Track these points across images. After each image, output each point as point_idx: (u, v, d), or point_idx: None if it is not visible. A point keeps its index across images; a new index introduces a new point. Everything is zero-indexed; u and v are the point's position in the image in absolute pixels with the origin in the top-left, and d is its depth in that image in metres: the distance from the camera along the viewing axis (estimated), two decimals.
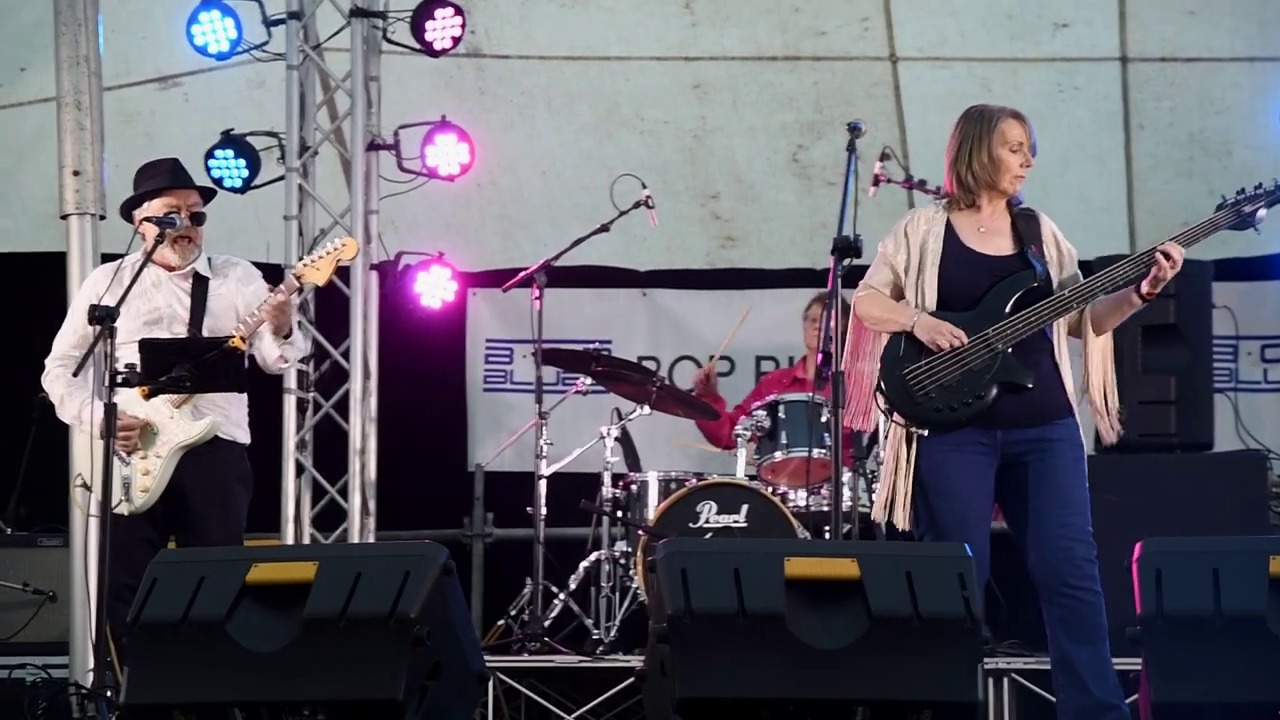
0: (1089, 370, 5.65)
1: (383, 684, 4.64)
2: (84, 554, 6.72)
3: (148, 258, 6.15)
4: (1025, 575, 5.60)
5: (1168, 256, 5.44)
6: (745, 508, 7.76)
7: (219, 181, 8.57)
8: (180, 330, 6.24)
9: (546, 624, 7.94)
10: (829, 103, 9.35)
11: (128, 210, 6.40)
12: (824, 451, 7.81)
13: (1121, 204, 9.51)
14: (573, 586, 8.09)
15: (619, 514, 8.13)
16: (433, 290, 8.83)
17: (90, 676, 5.68)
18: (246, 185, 8.73)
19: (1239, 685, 4.70)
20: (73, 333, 6.30)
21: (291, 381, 8.35)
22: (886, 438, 5.68)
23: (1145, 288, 5.49)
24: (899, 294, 5.68)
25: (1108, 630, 5.44)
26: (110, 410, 5.70)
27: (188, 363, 5.95)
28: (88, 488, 6.18)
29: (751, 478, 8.08)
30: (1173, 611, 4.76)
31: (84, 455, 6.22)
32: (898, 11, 9.10)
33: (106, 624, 5.50)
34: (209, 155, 8.66)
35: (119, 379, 5.73)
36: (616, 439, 8.28)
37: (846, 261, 5.75)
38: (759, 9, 9.12)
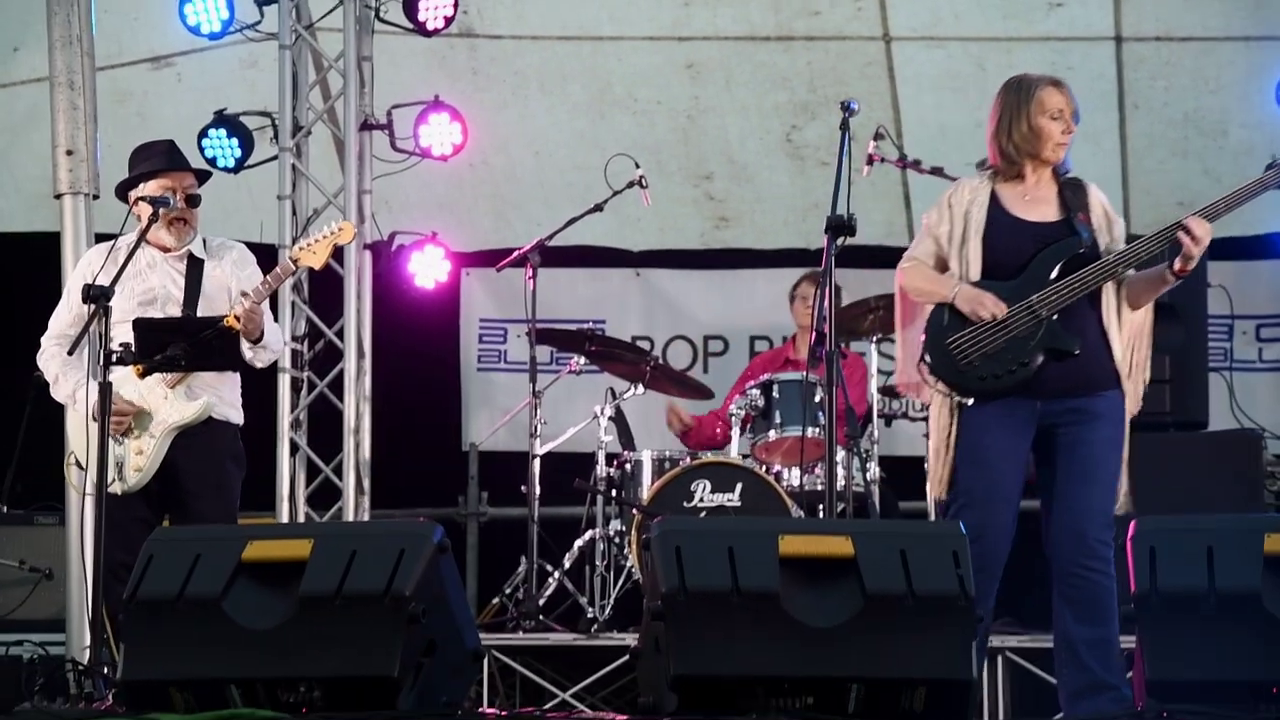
0: (1121, 343, 5.58)
1: (378, 661, 4.65)
2: (80, 532, 6.73)
3: (141, 237, 6.15)
4: (1037, 552, 5.58)
5: (1188, 232, 5.42)
6: (739, 486, 7.77)
7: (212, 161, 8.58)
8: (174, 311, 6.25)
9: (541, 602, 7.95)
10: (822, 83, 9.34)
11: (123, 192, 6.40)
12: (818, 430, 7.82)
13: (1116, 183, 9.49)
14: (567, 565, 8.11)
15: (613, 493, 8.13)
16: (426, 270, 8.82)
17: (87, 653, 5.69)
18: (239, 165, 8.74)
19: (1233, 663, 4.70)
20: (68, 311, 6.31)
21: (286, 361, 8.35)
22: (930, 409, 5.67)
23: (1178, 264, 5.45)
24: (943, 265, 5.66)
25: (1116, 612, 5.44)
26: (105, 389, 5.70)
27: (183, 342, 5.97)
28: (81, 466, 6.20)
29: (745, 457, 8.08)
30: (1167, 590, 4.76)
31: (77, 435, 6.23)
32: None
33: (103, 602, 5.51)
34: (202, 135, 8.66)
35: (114, 358, 5.74)
36: (610, 418, 8.28)
37: (841, 240, 5.74)
38: None
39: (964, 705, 4.60)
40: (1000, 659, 7.23)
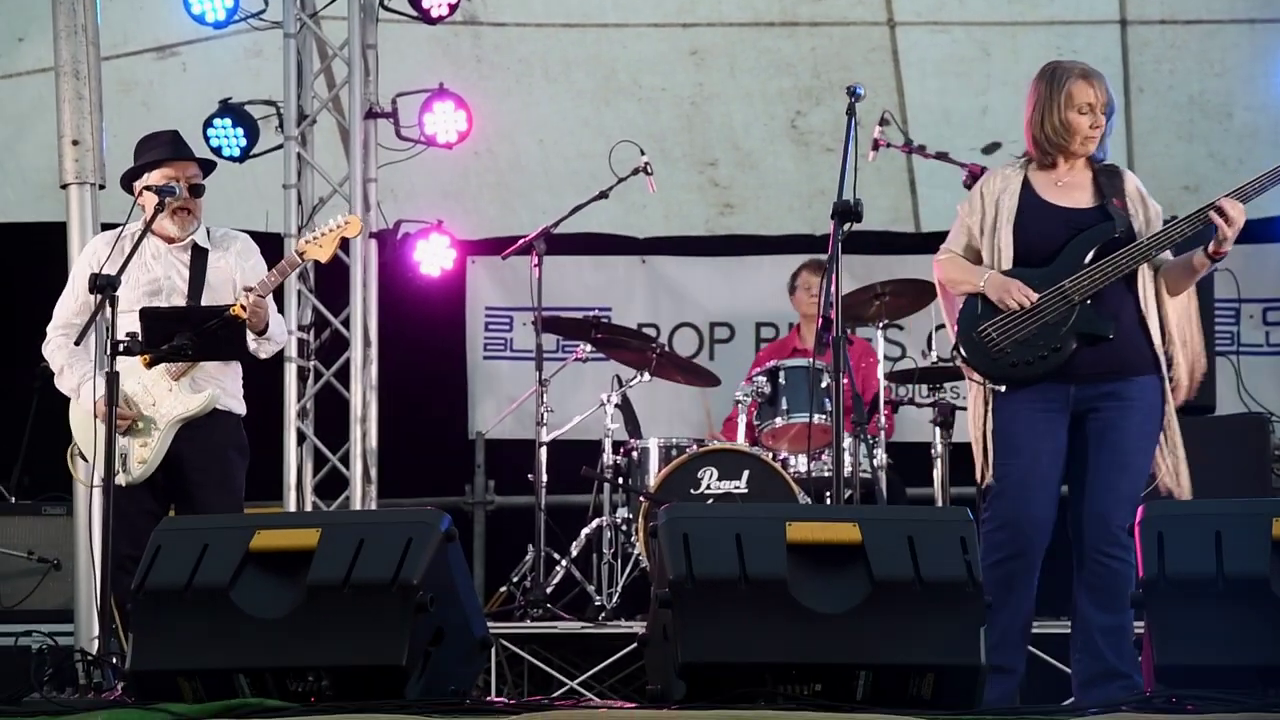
0: (1166, 329, 5.56)
1: (386, 650, 4.65)
2: (88, 522, 6.74)
3: (148, 226, 6.16)
4: (1059, 539, 5.56)
5: (1222, 213, 5.40)
6: (746, 473, 7.77)
7: (217, 150, 8.59)
8: (179, 302, 6.27)
9: (548, 590, 7.96)
10: (827, 68, 9.32)
11: (127, 182, 6.42)
12: (824, 417, 7.82)
13: (1121, 167, 9.46)
14: (574, 553, 8.11)
15: (620, 480, 8.14)
16: (432, 258, 8.83)
17: (95, 644, 5.69)
18: (245, 154, 8.75)
19: (1241, 648, 4.69)
20: (74, 300, 6.31)
21: (292, 350, 8.36)
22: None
23: (1212, 246, 5.43)
24: (976, 255, 5.65)
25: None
26: (112, 379, 5.70)
27: (189, 331, 5.96)
28: (84, 458, 6.21)
29: (752, 443, 8.08)
30: (1175, 574, 4.75)
31: (80, 427, 6.24)
32: None
33: (111, 593, 5.52)
34: (207, 124, 8.67)
35: (120, 347, 5.74)
36: (617, 406, 8.29)
37: (847, 226, 5.73)
38: None
39: (972, 691, 4.60)
40: None
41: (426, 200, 9.49)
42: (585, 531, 8.13)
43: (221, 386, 6.30)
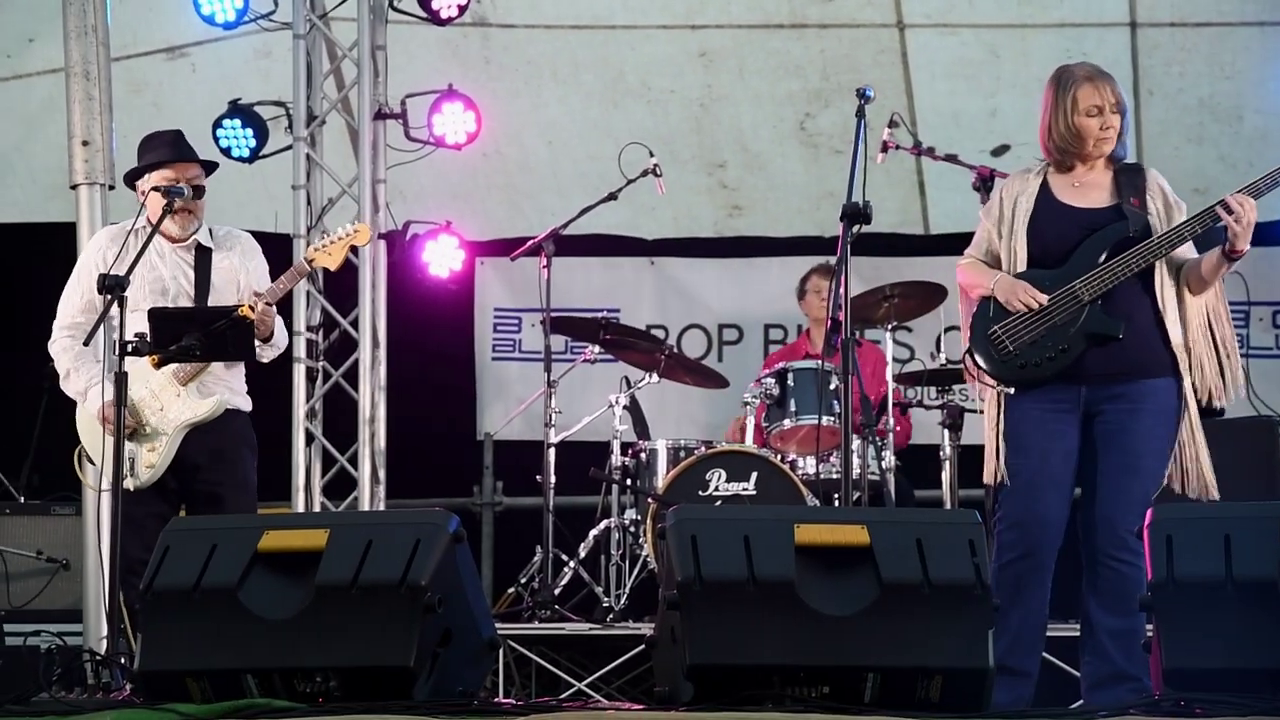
0: (1187, 330, 5.54)
1: (394, 651, 4.65)
2: (96, 523, 6.75)
3: (156, 227, 6.15)
4: (1067, 541, 5.54)
5: (1227, 209, 5.39)
6: (754, 475, 7.77)
7: (227, 151, 8.60)
8: (186, 302, 6.27)
9: (557, 592, 7.96)
10: (836, 70, 9.32)
11: (130, 181, 6.42)
12: (833, 419, 7.82)
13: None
14: (582, 554, 8.12)
15: (628, 482, 8.14)
16: (440, 259, 8.84)
17: (104, 644, 5.70)
18: (254, 155, 8.75)
19: (1251, 651, 4.68)
20: (80, 297, 6.31)
21: (301, 351, 8.37)
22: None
23: (1228, 245, 5.40)
24: (998, 259, 5.64)
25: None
26: (121, 379, 5.70)
27: (197, 332, 5.96)
28: (91, 461, 6.21)
29: (761, 445, 8.08)
30: (1184, 577, 4.74)
31: (86, 432, 6.25)
32: None
33: (119, 593, 5.52)
34: (216, 125, 8.67)
35: (129, 348, 5.74)
36: (625, 407, 8.29)
37: (856, 228, 5.72)
38: None
39: (980, 694, 4.59)
40: None
41: (435, 201, 9.50)
42: (593, 533, 8.14)
43: (229, 386, 6.32)
